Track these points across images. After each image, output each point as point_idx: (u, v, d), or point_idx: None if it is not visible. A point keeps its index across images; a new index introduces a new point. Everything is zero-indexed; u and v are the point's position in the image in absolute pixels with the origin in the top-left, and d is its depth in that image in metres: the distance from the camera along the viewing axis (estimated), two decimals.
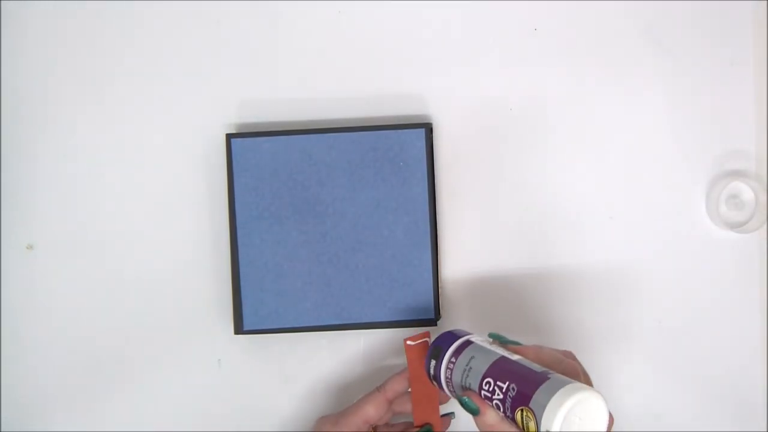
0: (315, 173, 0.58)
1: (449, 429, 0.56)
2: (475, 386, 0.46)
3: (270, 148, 0.58)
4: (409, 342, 0.53)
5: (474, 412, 0.46)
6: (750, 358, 0.61)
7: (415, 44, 0.61)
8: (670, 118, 0.61)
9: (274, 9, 0.61)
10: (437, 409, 0.54)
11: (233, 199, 0.58)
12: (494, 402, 0.45)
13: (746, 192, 0.60)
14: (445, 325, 0.60)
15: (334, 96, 0.61)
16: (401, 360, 0.58)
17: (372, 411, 0.53)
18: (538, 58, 0.61)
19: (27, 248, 0.60)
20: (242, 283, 0.58)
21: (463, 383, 0.47)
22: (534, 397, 0.42)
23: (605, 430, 0.43)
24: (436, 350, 0.50)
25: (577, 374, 0.47)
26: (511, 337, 0.51)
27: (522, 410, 0.43)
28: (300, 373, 0.60)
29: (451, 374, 0.49)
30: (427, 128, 0.59)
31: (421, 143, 0.58)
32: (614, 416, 0.60)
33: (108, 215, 0.60)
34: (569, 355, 0.50)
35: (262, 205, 0.58)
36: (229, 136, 0.58)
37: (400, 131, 0.58)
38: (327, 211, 0.58)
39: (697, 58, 0.61)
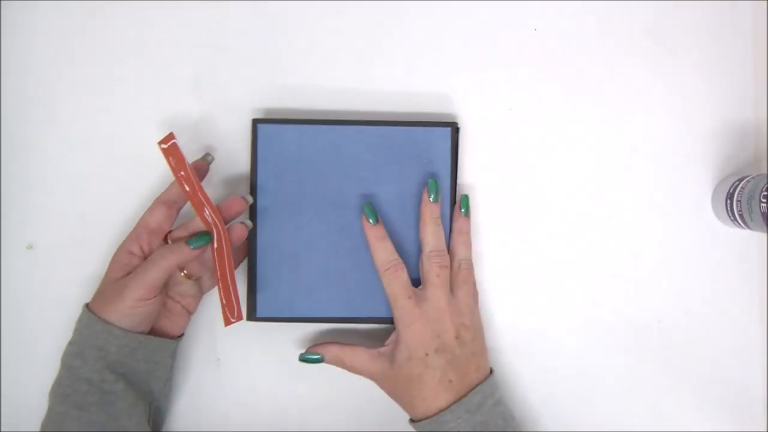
0: (339, 165, 0.58)
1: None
2: None
3: (296, 137, 0.57)
4: (162, 145, 0.52)
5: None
6: (750, 359, 0.61)
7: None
8: (671, 118, 0.61)
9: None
10: (215, 211, 0.53)
11: (255, 185, 0.57)
12: None
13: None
14: None
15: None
16: None
17: (148, 216, 0.54)
18: (537, 58, 0.61)
19: (27, 248, 0.60)
20: (258, 270, 0.57)
21: None
22: None
23: None
24: None
25: None
26: None
27: None
28: (303, 371, 0.60)
29: None
30: (453, 128, 0.58)
31: (447, 143, 0.58)
32: (614, 416, 0.60)
33: (108, 214, 0.60)
34: None
35: (284, 193, 0.57)
36: (256, 122, 0.58)
37: (427, 129, 0.58)
38: (348, 203, 0.57)
39: (697, 58, 0.61)
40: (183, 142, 0.60)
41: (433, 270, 0.54)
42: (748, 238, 0.61)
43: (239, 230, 0.54)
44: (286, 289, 0.57)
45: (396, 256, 0.55)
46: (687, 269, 0.61)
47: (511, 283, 0.61)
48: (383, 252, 0.55)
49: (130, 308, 0.51)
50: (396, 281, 0.54)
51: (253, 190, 0.58)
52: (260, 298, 0.57)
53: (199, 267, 0.55)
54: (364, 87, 0.61)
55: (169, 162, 0.52)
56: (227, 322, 0.54)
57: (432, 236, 0.55)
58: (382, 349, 0.55)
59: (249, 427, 0.60)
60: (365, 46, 0.61)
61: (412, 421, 0.54)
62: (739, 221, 0.57)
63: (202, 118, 0.60)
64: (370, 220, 0.55)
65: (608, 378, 0.61)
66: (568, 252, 0.61)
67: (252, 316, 0.58)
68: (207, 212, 0.52)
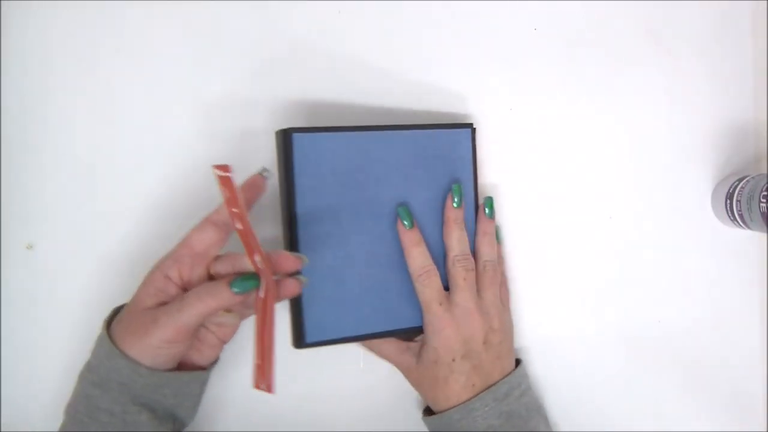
0: (371, 172, 0.55)
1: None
2: None
3: (330, 146, 0.53)
4: (218, 171, 0.44)
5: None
6: (750, 358, 0.61)
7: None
8: (671, 118, 0.61)
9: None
10: (266, 259, 0.47)
11: (293, 200, 0.52)
12: None
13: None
14: None
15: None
16: None
17: (195, 236, 0.48)
18: (537, 58, 0.61)
19: (27, 248, 0.60)
20: (304, 292, 0.52)
21: None
22: None
23: None
24: None
25: None
26: None
27: None
28: (303, 371, 0.60)
29: None
30: (472, 128, 0.58)
31: (468, 143, 0.57)
32: (614, 416, 0.60)
33: (109, 214, 0.60)
34: None
35: (323, 205, 0.53)
36: (290, 131, 0.53)
37: (449, 131, 0.57)
38: (383, 211, 0.55)
39: (697, 58, 0.61)
40: (184, 150, 0.60)
41: (459, 274, 0.54)
42: (748, 238, 0.61)
43: (292, 286, 0.48)
44: (333, 308, 0.54)
45: (430, 261, 0.54)
46: (687, 269, 0.61)
47: (508, 283, 0.61)
48: (418, 257, 0.54)
49: (156, 348, 0.46)
50: (429, 287, 0.53)
51: (289, 205, 0.53)
52: (308, 322, 0.53)
53: (242, 308, 0.50)
54: (363, 87, 0.61)
55: (223, 192, 0.45)
56: (257, 386, 0.47)
57: (456, 241, 0.55)
58: (412, 345, 0.55)
59: (249, 426, 0.60)
60: (364, 47, 0.61)
61: (427, 413, 0.55)
62: (739, 221, 0.57)
63: (203, 120, 0.60)
64: (405, 223, 0.54)
65: (608, 378, 0.61)
66: (568, 251, 0.61)
67: (300, 343, 0.53)
68: (257, 258, 0.46)
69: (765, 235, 0.61)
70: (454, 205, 0.55)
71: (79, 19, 0.61)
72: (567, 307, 0.61)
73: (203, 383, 0.51)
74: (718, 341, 0.61)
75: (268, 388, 0.47)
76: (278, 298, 0.48)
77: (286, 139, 0.53)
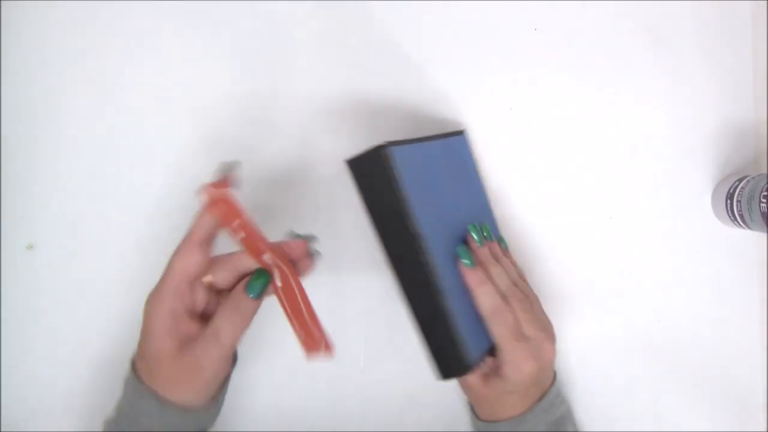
0: (441, 180, 0.53)
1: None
2: None
3: (416, 157, 0.50)
4: (205, 195, 0.44)
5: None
6: (750, 358, 0.61)
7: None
8: (671, 118, 0.61)
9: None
10: (275, 249, 0.47)
11: (412, 220, 0.47)
12: None
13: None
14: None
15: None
16: None
17: (184, 262, 0.46)
18: (537, 58, 0.61)
19: (27, 248, 0.60)
20: (454, 309, 0.49)
21: None
22: None
23: None
24: None
25: None
26: None
27: None
28: (302, 371, 0.60)
29: None
30: (464, 132, 0.59)
31: (467, 148, 0.59)
32: (614, 416, 0.60)
33: (109, 214, 0.60)
34: None
35: (437, 218, 0.50)
36: (384, 147, 0.47)
37: (451, 139, 0.57)
38: (460, 215, 0.54)
39: (697, 58, 0.61)
40: (183, 151, 0.60)
41: (507, 317, 0.51)
42: (748, 238, 0.61)
43: (307, 264, 0.49)
44: (476, 320, 0.51)
45: (498, 299, 0.51)
46: (687, 269, 0.61)
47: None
48: (487, 297, 0.51)
49: (209, 383, 0.47)
50: (503, 325, 0.50)
51: (409, 226, 0.48)
52: (469, 340, 0.50)
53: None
54: (363, 87, 0.61)
55: (215, 212, 0.45)
56: (310, 354, 0.47)
57: (487, 297, 0.51)
58: (483, 367, 0.53)
59: (249, 426, 0.60)
60: (363, 46, 0.61)
61: (478, 418, 0.54)
62: (739, 221, 0.57)
63: (203, 120, 0.60)
64: (466, 262, 0.51)
65: (608, 378, 0.60)
66: (568, 251, 0.61)
67: (460, 367, 0.50)
68: (266, 256, 0.47)
69: (765, 235, 0.61)
70: (467, 265, 0.51)
71: (82, 18, 0.60)
72: (566, 307, 0.61)
73: (227, 387, 0.52)
74: (718, 341, 0.61)
75: (328, 348, 0.47)
76: (300, 276, 0.48)
77: (382, 155, 0.47)
